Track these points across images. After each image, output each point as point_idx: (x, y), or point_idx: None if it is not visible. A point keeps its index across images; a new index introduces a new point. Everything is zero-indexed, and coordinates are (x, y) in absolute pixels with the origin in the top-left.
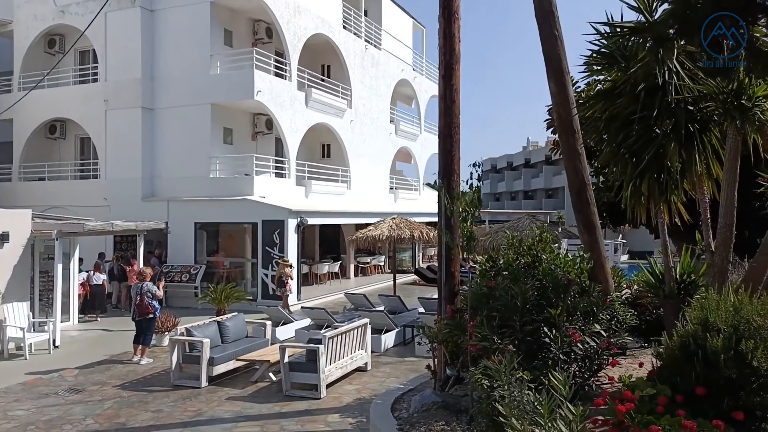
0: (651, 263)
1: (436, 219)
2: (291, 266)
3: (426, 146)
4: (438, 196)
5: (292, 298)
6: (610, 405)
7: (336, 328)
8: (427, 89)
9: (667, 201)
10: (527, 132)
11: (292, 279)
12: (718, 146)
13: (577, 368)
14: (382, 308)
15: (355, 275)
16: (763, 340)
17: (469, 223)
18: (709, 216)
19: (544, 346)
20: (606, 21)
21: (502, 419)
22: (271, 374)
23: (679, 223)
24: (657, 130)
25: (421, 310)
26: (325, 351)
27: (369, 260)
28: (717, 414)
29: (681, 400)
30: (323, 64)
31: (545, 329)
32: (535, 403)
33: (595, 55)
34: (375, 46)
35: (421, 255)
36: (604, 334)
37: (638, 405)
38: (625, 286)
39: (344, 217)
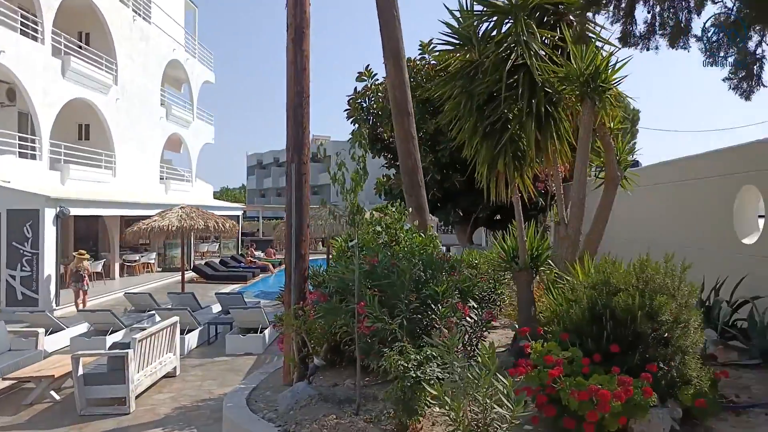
0: (501, 240)
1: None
2: (88, 259)
3: (199, 135)
4: (287, 171)
5: (46, 305)
6: (530, 372)
7: (141, 331)
8: (200, 74)
9: (522, 178)
10: None
11: (89, 273)
12: (569, 127)
13: (461, 342)
14: (170, 307)
15: (121, 275)
16: (669, 297)
17: (356, 196)
18: (562, 191)
19: (429, 324)
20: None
21: (430, 400)
22: (53, 392)
23: (528, 203)
24: (510, 112)
25: (218, 307)
26: (135, 357)
27: (137, 258)
28: (629, 369)
29: (599, 359)
30: (81, 32)
31: (433, 306)
32: (475, 378)
33: (449, 35)
34: (144, 18)
35: (193, 251)
36: (477, 308)
37: (564, 368)
38: None
39: (112, 208)
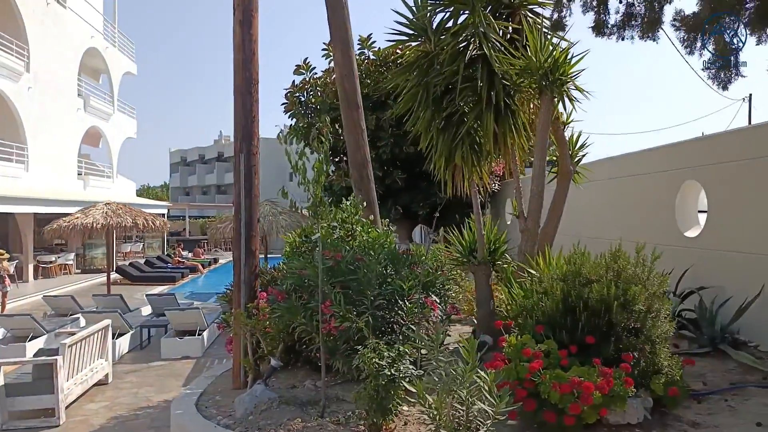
0: (458, 235)
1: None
2: (8, 259)
3: (120, 128)
4: (235, 162)
5: None
6: (508, 366)
7: (68, 336)
8: (121, 63)
9: (480, 171)
10: (219, 125)
11: (9, 273)
12: (526, 120)
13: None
14: (96, 309)
15: (35, 277)
16: (642, 287)
17: (319, 187)
18: (520, 184)
19: (394, 320)
20: None
21: (407, 397)
22: None
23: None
24: (467, 104)
25: (147, 309)
26: (65, 363)
27: (54, 259)
28: (604, 360)
29: (575, 350)
30: None
31: (400, 302)
32: (458, 374)
33: (403, 24)
34: (59, 2)
35: (115, 252)
36: (440, 303)
37: (543, 361)
38: None
39: (25, 205)
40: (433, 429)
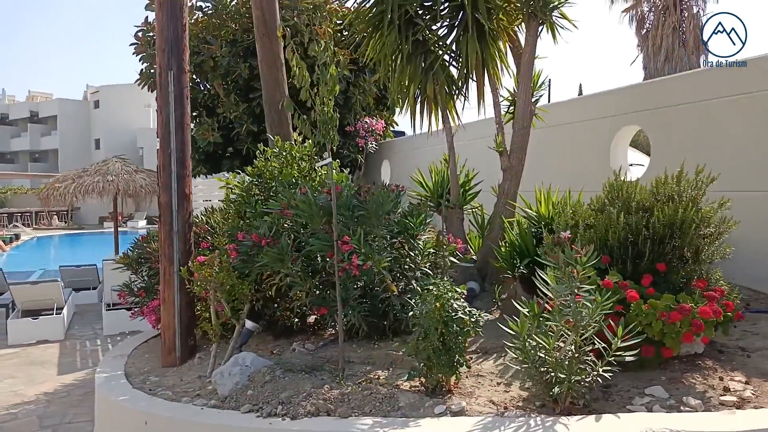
0: (423, 178)
1: None
2: None
3: None
4: (159, 81)
5: None
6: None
7: None
8: None
9: (454, 105)
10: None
11: None
12: (508, 49)
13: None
14: None
15: None
16: (708, 210)
17: (332, 101)
18: (502, 119)
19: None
20: None
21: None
22: None
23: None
24: (442, 28)
25: None
26: None
27: None
28: (673, 287)
29: (651, 280)
30: None
31: (411, 241)
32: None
33: None
34: None
35: None
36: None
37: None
38: None
39: None
40: (542, 370)
